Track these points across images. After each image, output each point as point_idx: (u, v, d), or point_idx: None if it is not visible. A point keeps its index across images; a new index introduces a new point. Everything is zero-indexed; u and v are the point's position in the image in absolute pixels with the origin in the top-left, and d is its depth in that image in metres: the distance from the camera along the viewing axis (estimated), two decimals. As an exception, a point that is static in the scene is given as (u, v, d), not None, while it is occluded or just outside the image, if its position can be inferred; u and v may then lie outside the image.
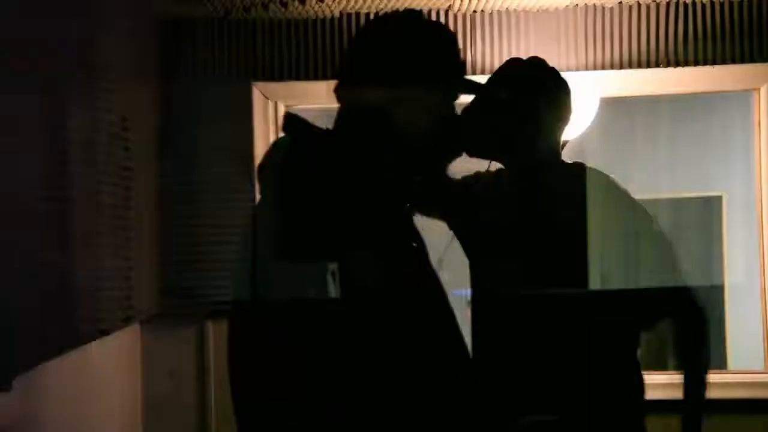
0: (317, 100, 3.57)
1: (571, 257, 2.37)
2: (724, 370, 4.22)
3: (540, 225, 2.42)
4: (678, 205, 4.92)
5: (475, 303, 2.56)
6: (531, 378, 2.40)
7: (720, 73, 3.52)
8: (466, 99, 2.20)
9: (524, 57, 2.52)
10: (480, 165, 2.54)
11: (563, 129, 2.53)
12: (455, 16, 3.57)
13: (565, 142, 3.43)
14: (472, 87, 2.04)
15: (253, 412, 1.56)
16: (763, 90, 3.54)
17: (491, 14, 3.57)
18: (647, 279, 2.56)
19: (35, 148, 2.03)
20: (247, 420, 1.57)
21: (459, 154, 1.96)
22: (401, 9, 3.07)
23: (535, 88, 2.44)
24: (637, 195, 2.60)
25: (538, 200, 2.45)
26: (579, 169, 2.52)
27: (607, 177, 2.53)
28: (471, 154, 2.39)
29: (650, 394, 3.47)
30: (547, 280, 2.36)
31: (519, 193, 2.48)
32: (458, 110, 1.99)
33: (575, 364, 2.40)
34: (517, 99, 2.42)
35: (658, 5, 3.54)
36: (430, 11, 3.56)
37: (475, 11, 3.57)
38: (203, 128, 3.50)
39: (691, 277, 2.83)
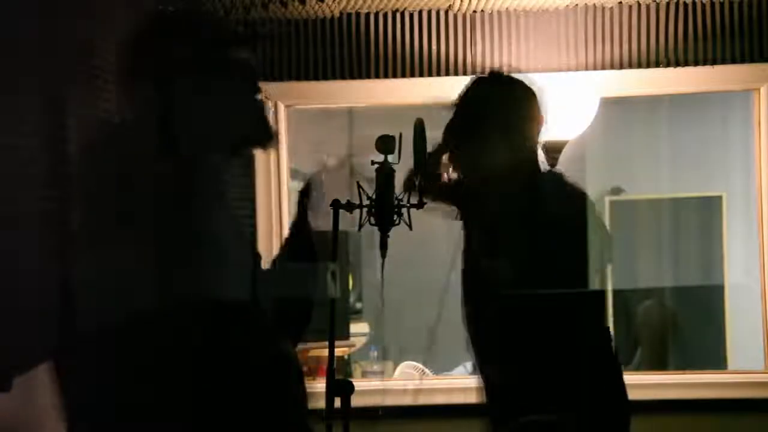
0: (317, 100, 3.57)
1: (546, 261, 2.42)
2: (724, 370, 4.23)
3: (520, 228, 2.47)
4: (678, 205, 4.92)
5: (466, 302, 2.62)
6: (516, 376, 2.44)
7: (720, 73, 3.52)
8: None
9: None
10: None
11: (537, 131, 2.59)
12: (455, 16, 3.57)
13: (565, 142, 3.45)
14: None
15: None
16: (763, 90, 3.54)
17: (491, 14, 3.57)
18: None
19: (35, 148, 2.03)
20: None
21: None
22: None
23: (495, 105, 2.55)
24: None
25: (519, 205, 2.51)
26: (553, 176, 2.58)
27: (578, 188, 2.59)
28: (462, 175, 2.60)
29: (651, 394, 3.47)
30: (525, 282, 2.41)
31: (501, 198, 2.54)
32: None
33: (557, 361, 2.44)
34: (481, 119, 2.52)
35: (658, 5, 3.54)
36: (430, 12, 3.56)
37: (475, 11, 3.56)
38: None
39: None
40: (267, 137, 1.82)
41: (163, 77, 1.66)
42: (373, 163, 2.15)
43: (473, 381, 3.75)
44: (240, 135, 1.77)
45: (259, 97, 1.81)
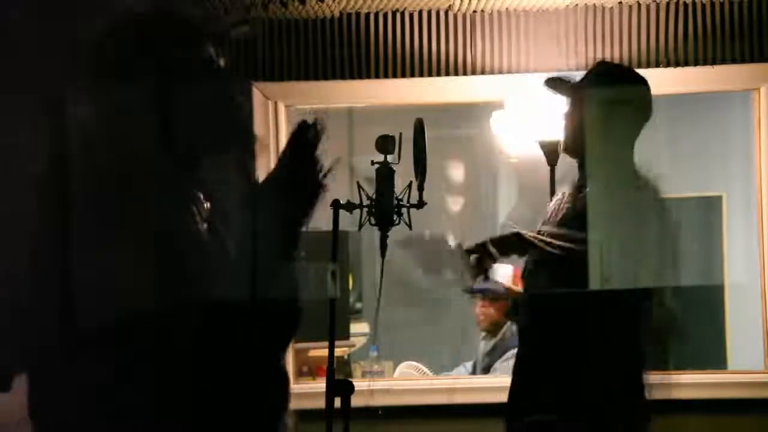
0: (317, 100, 3.57)
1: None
2: (724, 370, 4.23)
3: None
4: (678, 205, 4.92)
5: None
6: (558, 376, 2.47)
7: (720, 73, 3.52)
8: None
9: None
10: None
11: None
12: (455, 16, 3.57)
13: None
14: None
15: None
16: (763, 90, 3.54)
17: (491, 14, 3.57)
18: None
19: (35, 148, 2.03)
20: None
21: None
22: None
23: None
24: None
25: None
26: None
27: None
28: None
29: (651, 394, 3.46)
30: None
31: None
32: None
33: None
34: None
35: (658, 5, 3.54)
36: (430, 12, 3.56)
37: (475, 11, 3.56)
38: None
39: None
40: (248, 139, 1.82)
41: (160, 77, 1.66)
42: (373, 163, 2.15)
43: (473, 381, 3.76)
44: (227, 136, 1.77)
45: (242, 99, 1.81)
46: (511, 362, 3.80)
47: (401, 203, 2.16)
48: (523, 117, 3.50)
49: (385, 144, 2.15)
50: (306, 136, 1.69)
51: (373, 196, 2.14)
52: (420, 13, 3.57)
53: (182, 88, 1.67)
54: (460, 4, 3.50)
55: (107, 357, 1.53)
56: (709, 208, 4.83)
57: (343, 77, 3.56)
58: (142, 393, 1.50)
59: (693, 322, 4.76)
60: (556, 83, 2.75)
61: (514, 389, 2.69)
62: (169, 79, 1.66)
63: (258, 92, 3.54)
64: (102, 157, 1.67)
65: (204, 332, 1.54)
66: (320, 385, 2.15)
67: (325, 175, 1.68)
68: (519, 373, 2.69)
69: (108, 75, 1.71)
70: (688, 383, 3.54)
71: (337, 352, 2.49)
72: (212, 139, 1.75)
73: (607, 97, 2.65)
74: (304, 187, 1.68)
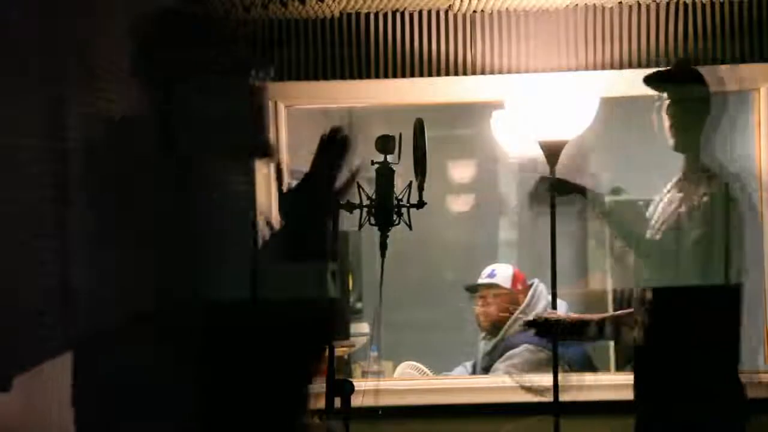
0: (317, 100, 3.57)
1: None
2: (724, 370, 4.22)
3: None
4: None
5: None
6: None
7: (720, 73, 3.52)
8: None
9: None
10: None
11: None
12: (455, 16, 3.57)
13: (565, 142, 3.44)
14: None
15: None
16: (763, 90, 3.54)
17: (491, 14, 3.57)
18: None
19: (35, 148, 2.03)
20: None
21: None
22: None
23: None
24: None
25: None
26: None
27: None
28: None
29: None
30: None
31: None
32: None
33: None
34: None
35: (658, 5, 3.54)
36: (430, 12, 3.56)
37: (475, 11, 3.57)
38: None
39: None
40: (261, 146, 1.83)
41: (162, 77, 1.67)
42: (373, 163, 2.16)
43: (473, 381, 3.76)
44: (237, 138, 1.78)
45: (259, 101, 1.81)
46: (511, 362, 3.81)
47: (401, 203, 2.16)
48: (523, 117, 3.50)
49: (385, 144, 2.15)
50: (331, 145, 1.71)
51: (373, 196, 2.14)
52: (420, 13, 3.57)
53: (203, 91, 1.68)
54: (460, 4, 3.50)
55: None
56: (709, 208, 4.81)
57: (343, 77, 3.56)
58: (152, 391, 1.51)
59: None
60: (652, 79, 2.82)
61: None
62: (189, 81, 1.67)
63: (258, 92, 3.54)
64: (119, 158, 1.67)
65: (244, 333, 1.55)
66: (320, 385, 2.15)
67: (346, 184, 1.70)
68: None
69: (134, 75, 1.72)
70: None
71: (337, 352, 2.49)
72: (233, 142, 1.75)
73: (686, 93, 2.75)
74: (325, 192, 1.70)
